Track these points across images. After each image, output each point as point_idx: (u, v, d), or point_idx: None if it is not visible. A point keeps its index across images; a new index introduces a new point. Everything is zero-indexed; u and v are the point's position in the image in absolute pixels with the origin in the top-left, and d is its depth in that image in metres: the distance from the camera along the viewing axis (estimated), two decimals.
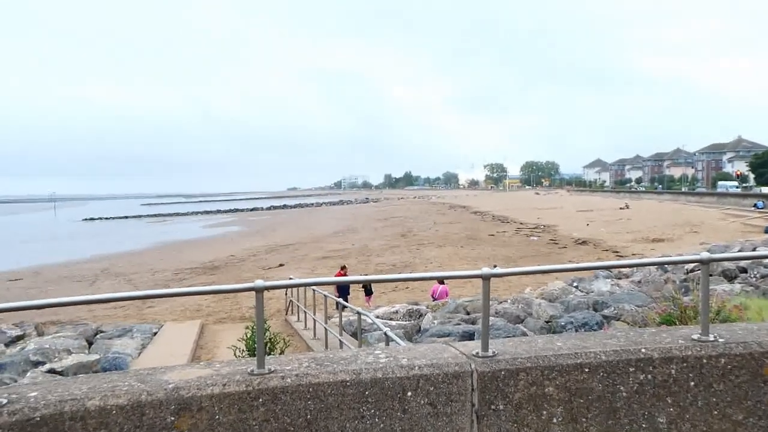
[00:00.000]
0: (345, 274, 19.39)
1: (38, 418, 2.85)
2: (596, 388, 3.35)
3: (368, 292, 20.09)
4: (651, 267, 19.46)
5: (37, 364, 11.16)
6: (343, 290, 16.96)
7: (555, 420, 3.31)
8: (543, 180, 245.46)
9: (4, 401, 2.92)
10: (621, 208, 68.95)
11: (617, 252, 33.04)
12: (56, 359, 11.48)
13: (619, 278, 19.99)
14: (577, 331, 11.98)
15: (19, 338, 14.82)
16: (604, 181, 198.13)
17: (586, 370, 3.36)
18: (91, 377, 3.36)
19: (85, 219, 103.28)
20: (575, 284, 19.14)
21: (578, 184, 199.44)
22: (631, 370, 3.39)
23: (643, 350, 3.46)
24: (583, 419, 3.34)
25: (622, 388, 3.37)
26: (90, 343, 14.08)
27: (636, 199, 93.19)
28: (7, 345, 13.78)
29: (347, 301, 14.65)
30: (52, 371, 10.61)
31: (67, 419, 2.89)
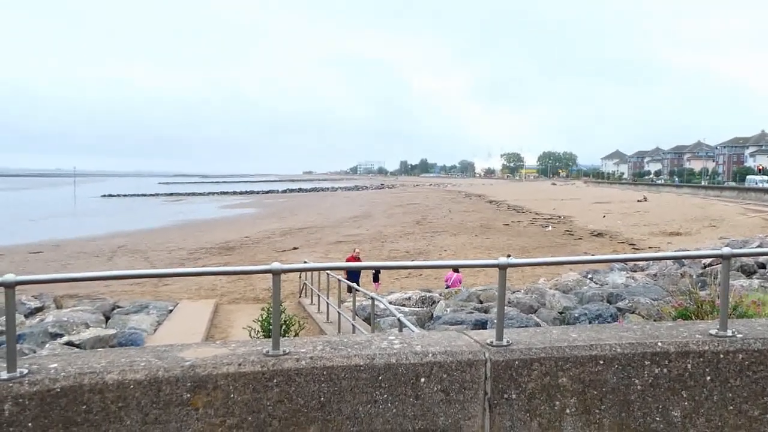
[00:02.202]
0: (356, 259, 19.40)
1: (58, 390, 2.90)
2: (610, 380, 3.35)
3: (376, 279, 20.06)
4: (667, 260, 19.29)
5: (55, 336, 11.34)
6: (353, 275, 16.90)
7: (568, 411, 3.32)
8: (560, 171, 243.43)
9: (25, 371, 2.97)
10: (639, 201, 68.28)
11: (633, 245, 32.78)
12: (74, 332, 11.67)
13: (635, 271, 19.85)
14: (590, 322, 11.94)
15: (38, 310, 15.07)
16: (623, 173, 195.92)
17: (601, 362, 3.35)
18: (110, 351, 3.42)
19: (104, 195, 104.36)
20: (589, 276, 19.04)
21: (596, 175, 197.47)
22: (646, 363, 3.38)
23: (659, 344, 3.44)
24: (596, 411, 3.33)
25: (636, 381, 3.36)
26: (107, 318, 14.28)
27: (654, 192, 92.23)
28: (26, 316, 14.03)
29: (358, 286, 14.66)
30: (70, 344, 10.78)
31: (86, 391, 2.93)
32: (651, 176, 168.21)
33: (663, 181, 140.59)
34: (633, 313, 12.71)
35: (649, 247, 31.27)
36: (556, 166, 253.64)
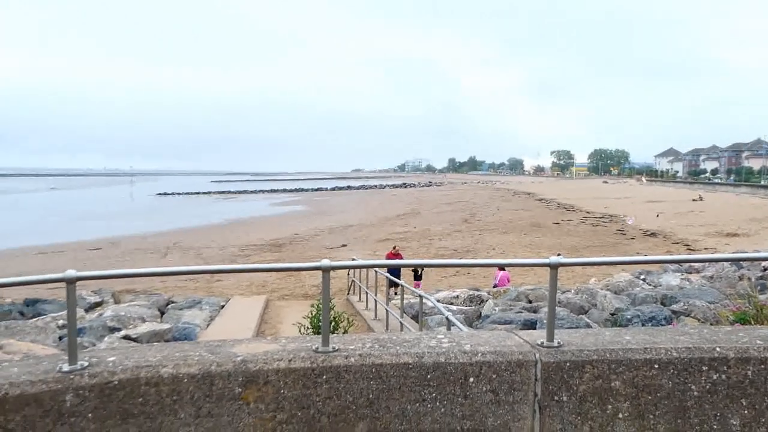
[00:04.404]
0: (395, 256, 19.33)
1: (116, 382, 3.00)
2: (666, 385, 3.26)
3: (418, 277, 19.86)
4: (724, 262, 18.62)
5: (113, 330, 11.69)
6: (393, 271, 16.77)
7: (621, 415, 3.24)
8: (612, 168, 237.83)
9: (85, 364, 3.09)
10: (694, 200, 66.17)
11: (688, 246, 31.79)
12: (131, 326, 12.00)
13: (690, 273, 19.24)
14: (643, 325, 11.64)
15: (97, 305, 15.60)
16: (677, 172, 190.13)
17: (656, 366, 3.27)
18: (165, 346, 3.52)
19: (159, 194, 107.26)
20: (642, 277, 18.55)
21: (649, 173, 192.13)
22: (703, 368, 3.28)
23: (717, 349, 3.33)
24: (651, 416, 3.25)
25: (693, 387, 3.27)
26: (162, 313, 14.65)
27: (710, 191, 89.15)
28: (86, 310, 14.52)
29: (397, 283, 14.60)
30: (127, 337, 11.09)
31: (143, 384, 3.03)
32: (707, 175, 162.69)
33: (720, 180, 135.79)
34: (688, 316, 12.32)
35: (705, 249, 30.27)
36: (608, 163, 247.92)
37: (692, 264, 20.07)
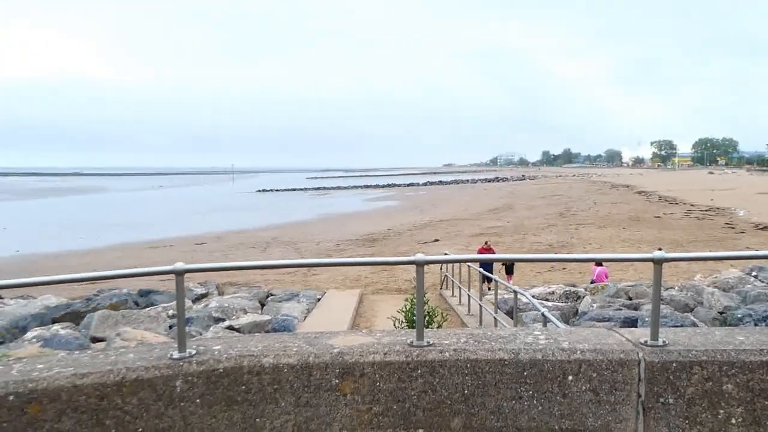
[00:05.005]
0: (488, 251, 19.10)
1: (221, 370, 3.16)
2: None
3: (509, 271, 19.58)
4: None
5: (218, 320, 12.28)
6: (486, 266, 16.56)
7: (734, 421, 3.06)
8: (718, 158, 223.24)
9: (193, 352, 3.27)
10: None
11: None
12: (234, 317, 12.58)
13: None
14: (756, 325, 10.88)
15: (203, 296, 16.44)
16: None
17: None
18: (266, 336, 3.66)
19: (259, 190, 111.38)
20: (754, 273, 17.31)
21: (760, 163, 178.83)
22: None
23: None
24: None
25: None
26: (262, 305, 15.23)
27: None
28: (193, 301, 15.35)
29: (490, 278, 14.40)
30: (230, 328, 11.62)
31: (246, 373, 3.17)
32: None
33: None
34: None
35: None
36: (714, 153, 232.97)
37: None
